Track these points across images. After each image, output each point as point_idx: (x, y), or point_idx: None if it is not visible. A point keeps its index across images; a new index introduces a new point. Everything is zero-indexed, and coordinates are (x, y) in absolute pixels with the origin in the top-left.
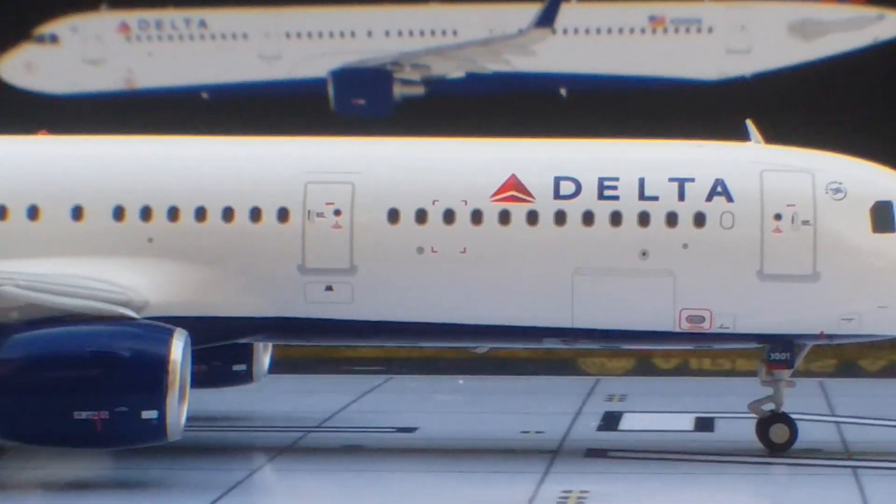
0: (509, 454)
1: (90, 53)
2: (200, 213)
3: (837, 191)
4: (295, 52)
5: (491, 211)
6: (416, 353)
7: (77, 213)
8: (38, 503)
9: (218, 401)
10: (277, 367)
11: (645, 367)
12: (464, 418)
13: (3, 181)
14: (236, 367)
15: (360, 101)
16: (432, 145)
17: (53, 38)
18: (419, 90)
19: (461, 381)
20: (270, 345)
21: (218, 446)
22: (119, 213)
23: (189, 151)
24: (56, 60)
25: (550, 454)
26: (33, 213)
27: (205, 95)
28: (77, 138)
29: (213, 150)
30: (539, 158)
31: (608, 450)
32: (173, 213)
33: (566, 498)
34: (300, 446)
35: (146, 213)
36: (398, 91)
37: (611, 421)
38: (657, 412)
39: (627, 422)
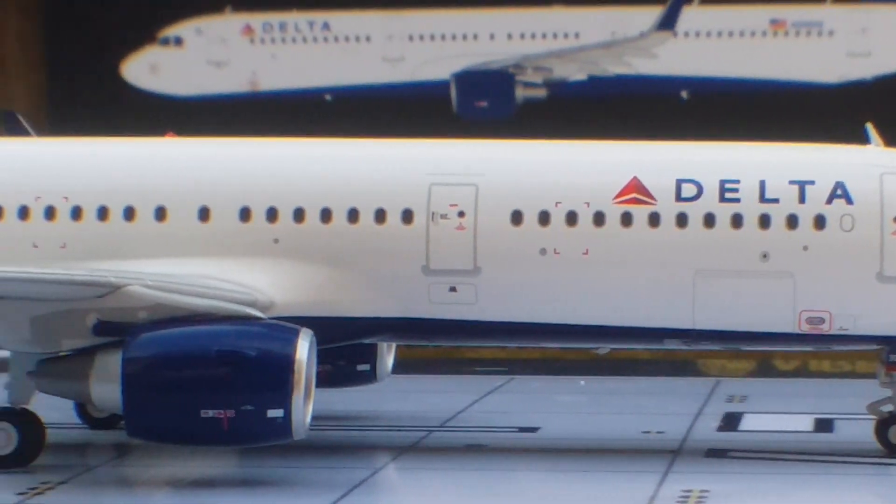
0: (630, 454)
1: (214, 56)
2: (326, 215)
3: None
4: (418, 55)
5: (613, 213)
6: (537, 353)
7: (204, 213)
8: (165, 500)
9: (342, 400)
10: (400, 367)
11: (765, 368)
12: (585, 418)
13: (131, 182)
14: (360, 367)
15: (482, 104)
16: (555, 147)
17: (178, 41)
18: (541, 93)
19: (582, 382)
20: (394, 345)
21: (342, 445)
22: (245, 214)
23: (314, 153)
24: (180, 63)
25: (671, 454)
26: (160, 214)
27: (328, 97)
28: (203, 139)
29: (338, 152)
30: (661, 161)
31: (728, 450)
32: (299, 215)
33: (686, 497)
34: (423, 445)
35: (272, 215)
36: (520, 93)
37: (731, 421)
38: (777, 413)
39: (748, 422)
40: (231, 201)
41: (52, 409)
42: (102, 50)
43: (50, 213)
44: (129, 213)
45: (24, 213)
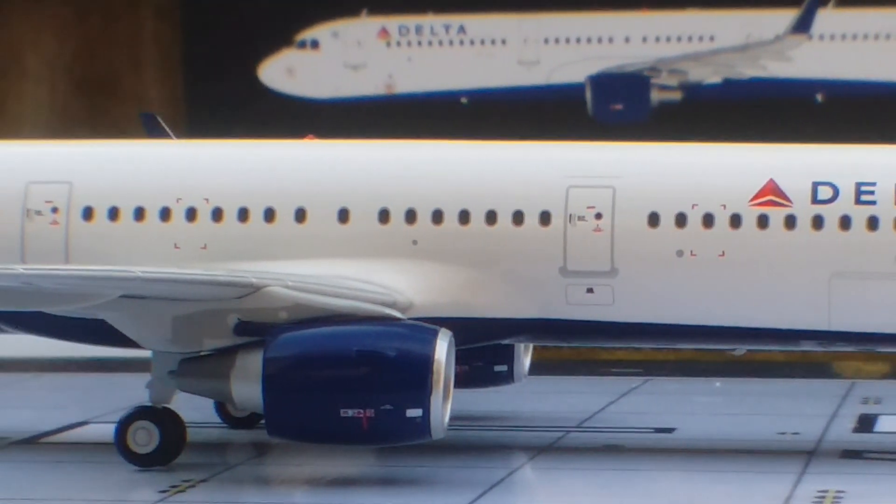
0: (766, 454)
1: (351, 59)
2: (464, 216)
3: None
4: (553, 58)
5: (749, 215)
6: (672, 355)
7: (343, 215)
8: (304, 499)
9: (480, 401)
10: (536, 368)
11: None
12: (721, 419)
13: (272, 184)
14: (498, 368)
15: (617, 107)
16: (691, 150)
17: (314, 44)
18: (676, 96)
19: (718, 384)
20: (531, 346)
21: (479, 445)
22: (384, 215)
23: (452, 155)
24: (317, 66)
25: (807, 455)
26: (300, 215)
27: (464, 101)
28: (343, 142)
29: (475, 154)
30: (796, 163)
31: (864, 451)
32: (437, 216)
33: (822, 497)
34: (560, 446)
35: (411, 216)
36: (655, 97)
37: (866, 423)
38: None
39: (883, 424)
40: (370, 203)
41: (193, 409)
42: (239, 52)
43: (191, 214)
44: (270, 215)
45: (165, 214)
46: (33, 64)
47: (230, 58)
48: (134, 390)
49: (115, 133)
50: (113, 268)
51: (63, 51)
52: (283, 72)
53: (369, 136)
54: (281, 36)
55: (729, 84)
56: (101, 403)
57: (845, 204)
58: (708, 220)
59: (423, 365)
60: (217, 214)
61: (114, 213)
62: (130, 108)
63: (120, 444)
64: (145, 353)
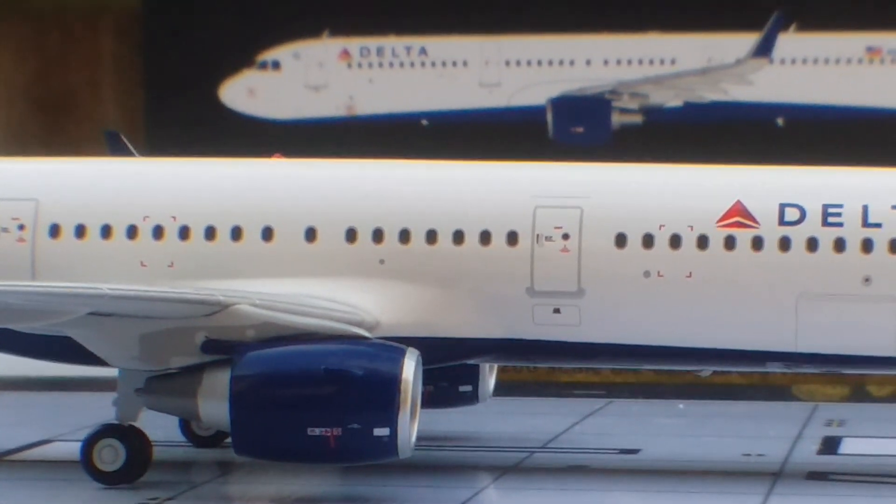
0: (731, 476)
1: (312, 80)
2: (431, 236)
3: None
4: (514, 80)
5: (716, 236)
6: (635, 377)
7: (310, 234)
8: None
9: (444, 420)
10: (500, 389)
11: (860, 394)
12: (686, 441)
13: (239, 203)
14: (462, 388)
15: (578, 129)
16: (659, 171)
17: (276, 65)
18: (637, 119)
19: (681, 406)
20: (495, 366)
21: (445, 465)
22: (352, 234)
23: (421, 174)
24: (278, 86)
25: (772, 476)
26: (268, 233)
27: (425, 122)
28: (311, 161)
29: (443, 174)
30: (764, 185)
31: (829, 472)
32: (405, 236)
33: None
34: (525, 466)
35: (378, 235)
36: (616, 119)
37: (830, 445)
38: (876, 437)
39: (847, 446)
40: (337, 222)
41: (158, 428)
42: (200, 73)
43: (158, 232)
44: (237, 233)
45: (132, 231)
46: None
47: (191, 78)
48: (98, 409)
49: (72, 151)
50: (80, 284)
51: (21, 70)
52: (244, 92)
53: (330, 157)
54: (242, 56)
55: (690, 107)
56: (66, 421)
57: (812, 226)
58: (675, 241)
59: (391, 384)
60: (184, 232)
61: (80, 231)
62: (89, 127)
63: (86, 461)
64: (110, 372)
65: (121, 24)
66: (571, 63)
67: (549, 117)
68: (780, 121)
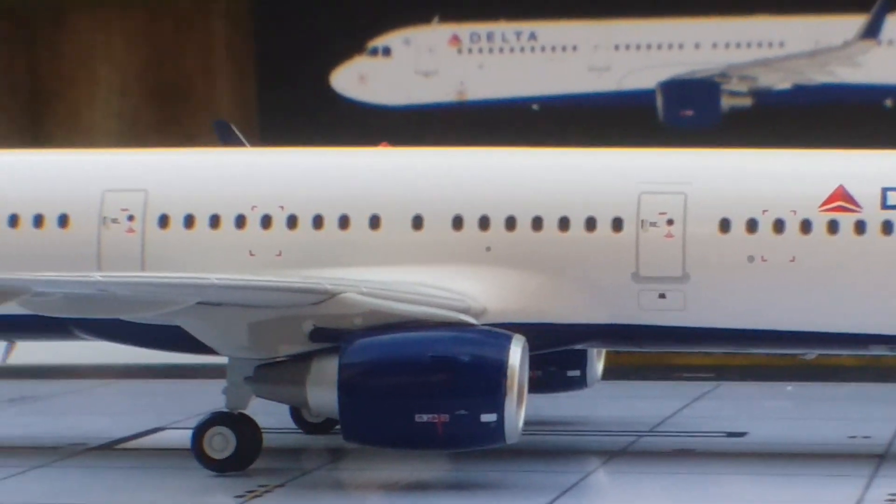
0: (836, 458)
1: (422, 66)
2: (537, 223)
3: None
4: (624, 64)
5: (819, 221)
6: (744, 360)
7: (417, 222)
8: (380, 502)
9: (552, 406)
10: (609, 373)
11: None
12: (792, 423)
13: (346, 192)
14: (570, 373)
15: (688, 113)
16: (762, 156)
17: (386, 51)
18: (746, 101)
19: (789, 388)
20: (603, 351)
21: (552, 449)
22: (458, 222)
23: (526, 161)
24: (389, 73)
25: (877, 458)
26: (375, 222)
27: (535, 107)
28: (417, 149)
29: (548, 161)
30: (866, 169)
31: None
32: (511, 223)
33: (893, 500)
34: (632, 450)
35: (484, 223)
36: (726, 102)
37: None
38: None
39: None
40: (444, 210)
41: (268, 415)
42: (312, 59)
43: (266, 221)
44: (344, 222)
45: (240, 221)
46: (104, 72)
47: (302, 65)
48: (208, 397)
49: (186, 141)
50: (189, 275)
51: (134, 59)
52: (354, 79)
53: (440, 143)
54: (353, 43)
55: (798, 90)
56: (177, 410)
57: None
58: (779, 226)
59: (498, 370)
60: (292, 221)
61: (189, 221)
62: (202, 115)
63: (196, 449)
64: (220, 360)
65: (232, 11)
66: (681, 46)
67: (659, 101)
68: (888, 102)
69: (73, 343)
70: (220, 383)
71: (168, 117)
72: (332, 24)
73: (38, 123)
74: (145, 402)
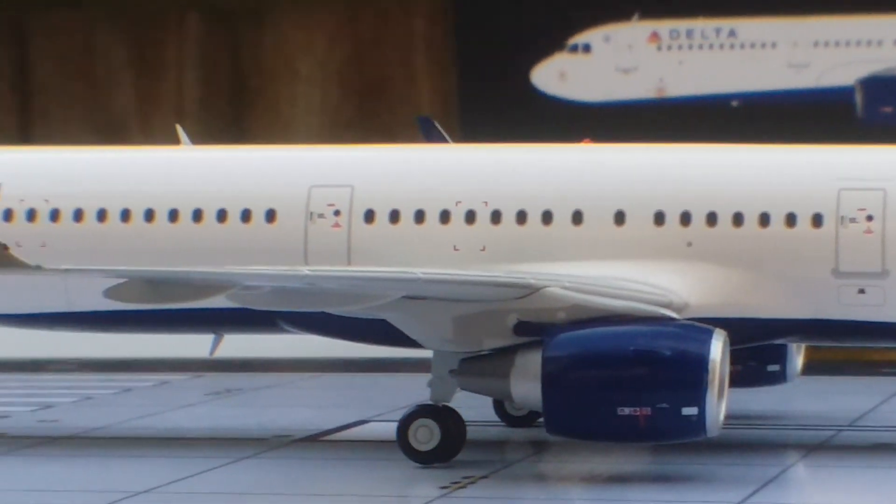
0: None
1: (622, 62)
2: (737, 219)
3: None
4: (823, 61)
5: None
6: None
7: (619, 218)
8: (582, 495)
9: (752, 400)
10: (807, 368)
11: None
12: None
13: (549, 187)
14: (770, 368)
15: (887, 109)
16: None
17: (586, 48)
18: None
19: None
20: (803, 346)
21: (752, 443)
22: (659, 218)
23: (725, 158)
24: (588, 69)
25: None
26: (577, 218)
27: (734, 103)
28: (619, 146)
29: (748, 157)
30: None
31: None
32: (712, 219)
33: None
34: (832, 444)
35: (685, 219)
36: None
37: None
38: None
39: None
40: (646, 206)
41: (471, 408)
42: (512, 56)
43: (470, 216)
44: (547, 217)
45: (444, 216)
46: (305, 67)
47: (503, 61)
48: (411, 390)
49: (386, 136)
50: (395, 269)
51: (335, 55)
52: (555, 75)
53: (640, 140)
54: (553, 40)
55: None
56: (382, 402)
57: None
58: None
59: (699, 364)
60: (496, 217)
61: (394, 216)
62: (401, 111)
63: (401, 441)
64: (424, 354)
65: (433, 7)
66: (879, 43)
67: (858, 98)
68: None
69: (277, 337)
70: (422, 377)
71: (368, 113)
72: (533, 20)
73: (240, 119)
74: (349, 394)
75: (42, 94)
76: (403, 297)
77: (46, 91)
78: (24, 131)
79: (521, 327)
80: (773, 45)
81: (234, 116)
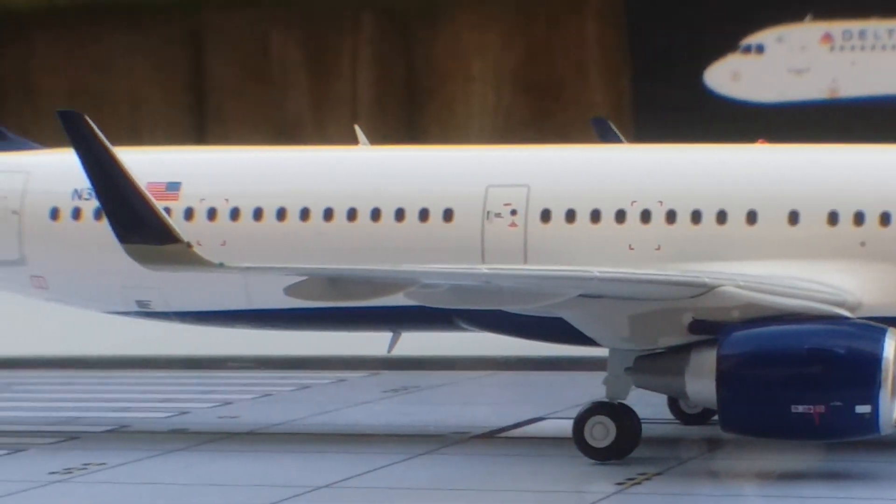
0: None
1: (795, 63)
2: None
3: None
4: None
5: None
6: None
7: (793, 217)
8: (756, 491)
9: None
10: None
11: None
12: None
13: (724, 187)
14: None
15: None
16: None
17: (759, 49)
18: None
19: None
20: None
21: None
22: (833, 217)
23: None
24: (761, 70)
25: None
26: (751, 217)
27: None
28: (791, 146)
29: None
30: None
31: None
32: (885, 219)
33: None
34: None
35: (859, 218)
36: None
37: None
38: None
39: None
40: (819, 206)
41: (646, 405)
42: (685, 56)
43: (645, 216)
44: (722, 217)
45: (620, 216)
46: (479, 69)
47: (676, 61)
48: (584, 388)
49: (558, 136)
50: (572, 268)
51: (509, 56)
52: (728, 76)
53: (812, 140)
54: (726, 40)
55: None
56: (557, 399)
57: None
58: None
59: (873, 363)
60: (671, 216)
61: (570, 215)
62: (575, 111)
63: (577, 437)
64: (598, 352)
65: (606, 8)
66: None
67: None
68: None
69: (453, 335)
70: (597, 375)
71: (540, 113)
72: (706, 21)
73: (414, 119)
74: (525, 392)
75: (217, 95)
76: (580, 295)
77: (222, 91)
78: (200, 131)
79: (696, 325)
80: None
81: (407, 116)
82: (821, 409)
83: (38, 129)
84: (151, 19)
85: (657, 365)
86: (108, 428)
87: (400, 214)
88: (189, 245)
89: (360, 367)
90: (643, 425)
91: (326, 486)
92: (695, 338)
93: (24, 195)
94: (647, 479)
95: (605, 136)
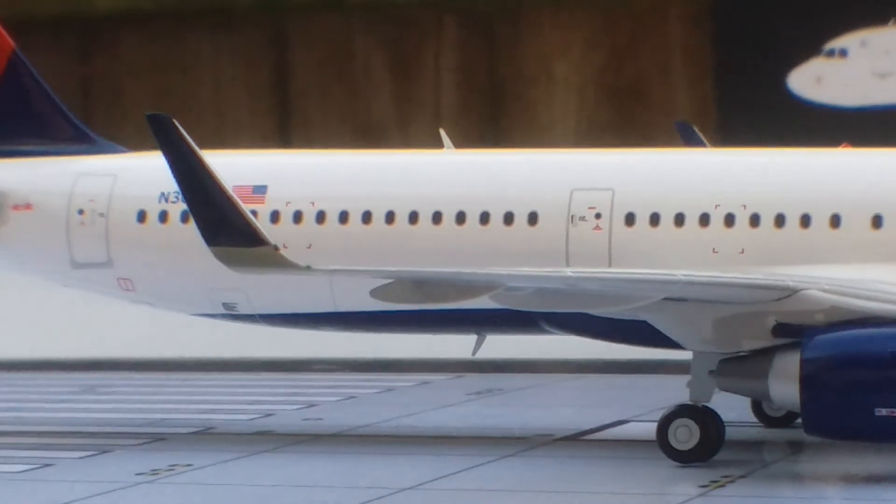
0: None
1: (878, 67)
2: None
3: None
4: None
5: None
6: None
7: (877, 221)
8: (839, 494)
9: None
10: None
11: None
12: None
13: (807, 191)
14: None
15: None
16: None
17: (843, 53)
18: None
19: None
20: None
21: None
22: None
23: None
24: (845, 74)
25: None
26: (834, 221)
27: None
28: (875, 150)
29: None
30: None
31: None
32: None
33: None
34: None
35: None
36: None
37: None
38: None
39: None
40: None
41: (730, 409)
42: (769, 60)
43: (729, 220)
44: (806, 220)
45: (704, 219)
46: (563, 72)
47: (760, 66)
48: (671, 391)
49: (642, 140)
50: (657, 271)
51: (592, 59)
52: (811, 80)
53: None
54: (810, 44)
55: None
56: (641, 402)
57: None
58: None
59: None
60: (754, 220)
61: (654, 219)
62: (658, 114)
63: (661, 440)
64: (681, 355)
65: (690, 12)
66: None
67: None
68: None
69: (537, 337)
70: (680, 378)
71: (624, 116)
72: (790, 25)
73: (497, 122)
74: (609, 395)
75: (302, 98)
76: (664, 298)
77: (306, 95)
78: (284, 134)
79: (780, 329)
80: None
81: (491, 119)
82: None
83: (124, 132)
84: (236, 23)
85: (741, 368)
86: (194, 429)
87: (485, 218)
88: (276, 248)
89: (444, 369)
90: (727, 428)
91: (412, 487)
92: (778, 341)
93: (111, 198)
94: (730, 481)
95: (689, 140)
